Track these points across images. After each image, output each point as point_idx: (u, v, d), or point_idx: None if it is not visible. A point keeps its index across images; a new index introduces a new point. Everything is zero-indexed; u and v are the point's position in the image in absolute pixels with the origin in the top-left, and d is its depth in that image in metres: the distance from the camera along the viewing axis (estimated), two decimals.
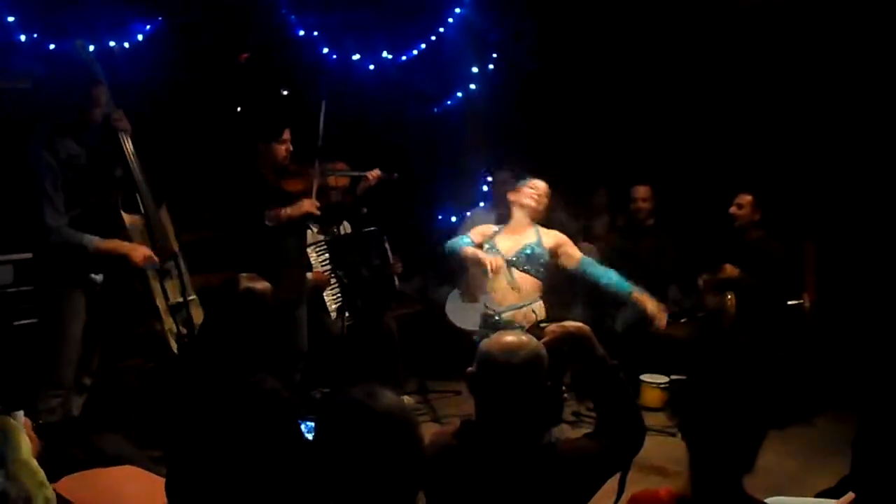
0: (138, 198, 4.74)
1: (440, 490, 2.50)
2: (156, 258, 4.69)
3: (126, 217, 4.70)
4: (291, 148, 5.51)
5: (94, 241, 4.57)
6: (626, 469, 2.89)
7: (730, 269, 6.36)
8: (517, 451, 2.64)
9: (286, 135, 5.48)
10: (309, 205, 5.46)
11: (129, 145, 4.74)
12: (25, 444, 2.77)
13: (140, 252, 4.64)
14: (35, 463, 2.81)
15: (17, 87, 5.46)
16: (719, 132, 7.31)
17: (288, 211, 5.42)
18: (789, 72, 6.96)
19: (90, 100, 4.59)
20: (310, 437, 3.25)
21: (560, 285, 7.73)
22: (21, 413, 3.10)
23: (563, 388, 2.81)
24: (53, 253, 4.55)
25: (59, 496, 3.43)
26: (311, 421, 3.33)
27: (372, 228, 6.45)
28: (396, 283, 6.75)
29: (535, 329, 3.04)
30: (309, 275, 6.17)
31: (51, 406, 4.63)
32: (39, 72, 4.90)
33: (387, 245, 6.59)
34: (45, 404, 4.61)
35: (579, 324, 3.01)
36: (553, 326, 3.00)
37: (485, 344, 2.75)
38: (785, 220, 6.58)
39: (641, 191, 7.10)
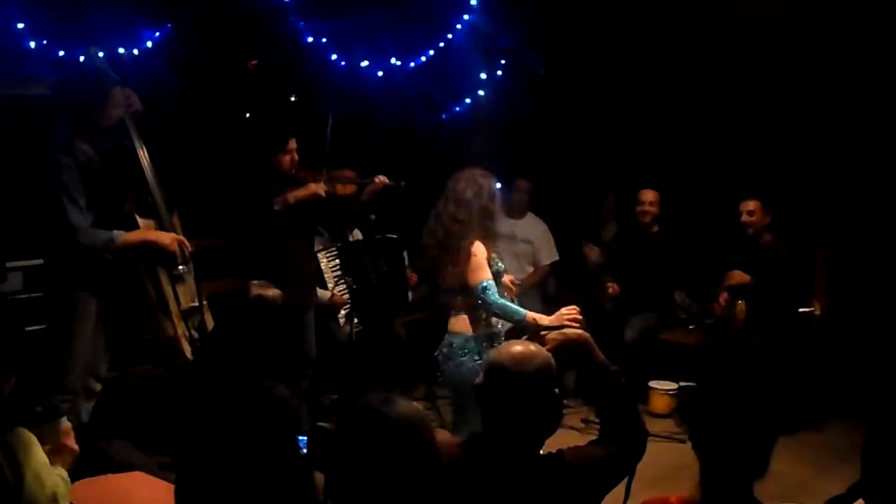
0: (151, 202, 4.75)
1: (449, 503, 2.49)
2: (187, 243, 4.67)
3: (140, 221, 4.69)
4: (297, 157, 5.52)
5: (121, 234, 4.53)
6: (632, 474, 2.89)
7: (738, 276, 6.34)
8: (526, 462, 2.63)
9: (291, 144, 5.48)
10: (315, 187, 5.45)
11: (143, 150, 4.75)
12: (39, 457, 2.77)
13: (169, 236, 4.61)
14: (52, 477, 2.79)
15: (29, 93, 5.47)
16: (731, 139, 7.30)
17: (296, 193, 5.40)
18: (801, 79, 6.95)
19: (108, 101, 4.60)
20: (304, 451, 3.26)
21: (562, 294, 7.77)
22: (64, 419, 3.11)
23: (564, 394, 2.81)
24: (75, 254, 4.53)
25: None
26: (303, 435, 3.33)
27: (392, 236, 6.45)
28: (410, 295, 6.74)
29: (535, 336, 3.03)
30: (327, 294, 6.18)
31: (59, 411, 4.63)
32: (52, 77, 4.89)
33: (405, 254, 6.59)
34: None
35: (579, 331, 3.04)
36: (554, 334, 3.01)
37: (494, 354, 2.74)
38: (797, 228, 6.57)
39: (648, 195, 7.07)
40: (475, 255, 4.41)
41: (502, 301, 4.39)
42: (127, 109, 4.73)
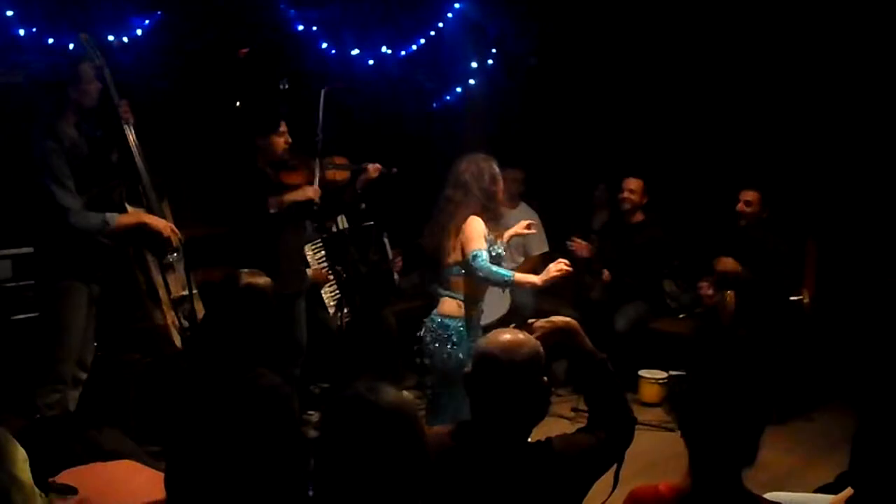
0: (141, 190, 4.74)
1: (438, 492, 2.49)
2: (178, 232, 4.70)
3: (130, 209, 4.69)
4: (290, 140, 5.50)
5: (115, 216, 4.55)
6: (621, 462, 2.89)
7: (731, 263, 6.31)
8: (515, 450, 2.64)
9: (283, 127, 5.47)
10: (312, 191, 5.47)
11: (132, 137, 4.74)
12: (20, 459, 2.72)
13: (163, 221, 4.66)
14: (29, 480, 2.75)
15: (16, 80, 5.45)
16: (723, 128, 7.29)
17: (292, 196, 5.41)
18: (793, 69, 6.95)
19: (80, 77, 4.59)
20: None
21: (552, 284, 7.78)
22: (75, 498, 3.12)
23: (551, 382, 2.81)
24: (65, 241, 4.52)
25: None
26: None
27: (369, 223, 6.43)
28: (396, 278, 6.74)
29: (523, 325, 3.04)
30: (308, 271, 6.16)
31: (51, 401, 4.62)
32: (35, 65, 4.89)
33: (386, 240, 6.57)
34: (45, 399, 4.60)
35: (567, 318, 3.03)
36: (541, 322, 3.01)
37: (483, 343, 2.74)
38: (788, 217, 6.57)
39: (630, 183, 7.04)
40: (466, 230, 4.45)
41: (489, 267, 4.36)
42: (125, 121, 4.72)
